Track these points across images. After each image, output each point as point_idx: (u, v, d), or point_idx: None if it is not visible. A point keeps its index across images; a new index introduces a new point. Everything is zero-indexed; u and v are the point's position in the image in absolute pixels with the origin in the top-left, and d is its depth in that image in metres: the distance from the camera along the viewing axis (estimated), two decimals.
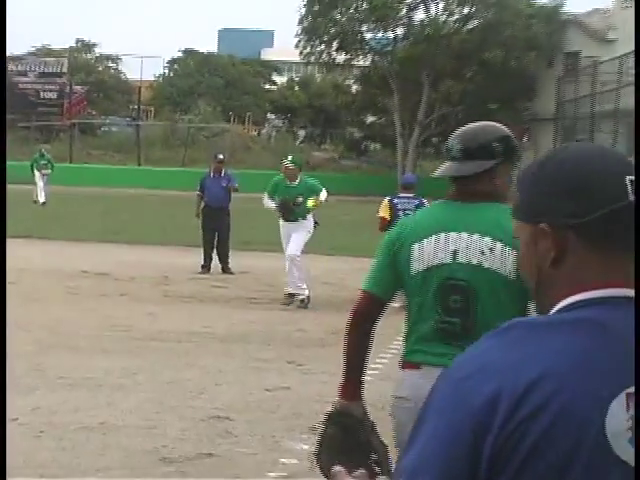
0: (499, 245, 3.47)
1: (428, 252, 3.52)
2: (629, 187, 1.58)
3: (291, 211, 12.65)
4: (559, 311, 1.59)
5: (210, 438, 6.67)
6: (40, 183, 30.59)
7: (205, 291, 13.64)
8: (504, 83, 42.53)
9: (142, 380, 8.25)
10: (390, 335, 7.49)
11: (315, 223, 12.82)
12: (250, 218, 20.18)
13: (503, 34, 41.98)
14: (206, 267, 15.60)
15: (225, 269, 15.39)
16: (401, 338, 3.72)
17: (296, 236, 12.58)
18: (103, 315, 11.32)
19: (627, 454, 1.50)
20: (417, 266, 3.54)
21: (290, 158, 13.04)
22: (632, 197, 1.58)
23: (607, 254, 1.59)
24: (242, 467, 6.16)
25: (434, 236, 3.53)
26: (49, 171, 31.14)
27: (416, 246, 3.54)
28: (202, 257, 15.67)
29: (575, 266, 1.60)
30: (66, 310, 11.59)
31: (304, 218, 12.66)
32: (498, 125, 3.67)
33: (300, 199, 12.51)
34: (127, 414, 7.17)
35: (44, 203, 29.52)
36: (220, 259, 15.57)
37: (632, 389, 1.51)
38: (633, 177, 1.59)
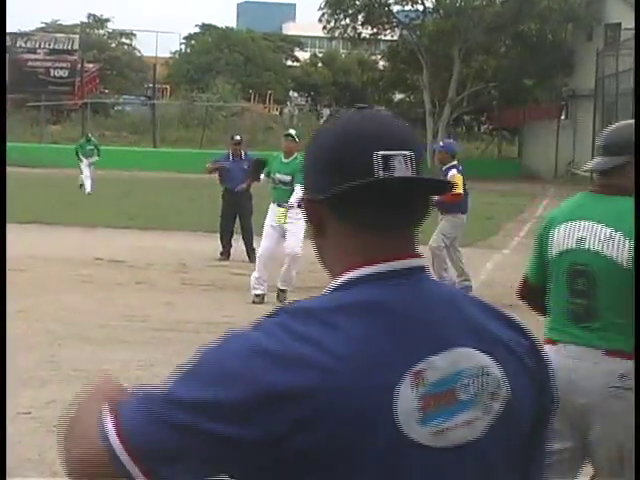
0: (618, 235, 3.96)
1: (562, 238, 4.10)
2: (377, 163, 1.61)
3: (259, 169, 12.52)
4: (335, 289, 1.64)
5: None
6: (86, 172, 29.01)
7: (225, 279, 13.67)
8: (540, 58, 42.32)
9: (160, 373, 8.28)
10: None
11: None
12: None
13: (539, 5, 41.78)
14: (225, 253, 15.63)
15: (251, 256, 15.15)
16: None
17: (292, 227, 11.86)
18: (118, 304, 11.38)
19: (419, 435, 1.56)
20: (553, 251, 4.12)
21: (292, 132, 12.94)
22: (382, 173, 1.60)
23: (363, 230, 1.64)
24: None
25: (568, 223, 4.09)
26: (96, 158, 29.59)
27: (554, 232, 4.13)
28: (220, 243, 15.68)
29: (336, 242, 1.66)
30: (80, 299, 11.65)
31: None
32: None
33: (288, 178, 11.99)
34: None
35: (89, 193, 28.12)
36: (246, 246, 15.46)
37: (418, 367, 1.56)
38: (392, 152, 1.62)
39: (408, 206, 1.65)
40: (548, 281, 4.20)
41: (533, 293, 4.31)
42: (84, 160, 29.38)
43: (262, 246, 12.20)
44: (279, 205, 12.15)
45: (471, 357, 1.61)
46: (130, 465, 1.57)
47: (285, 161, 12.25)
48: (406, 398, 1.55)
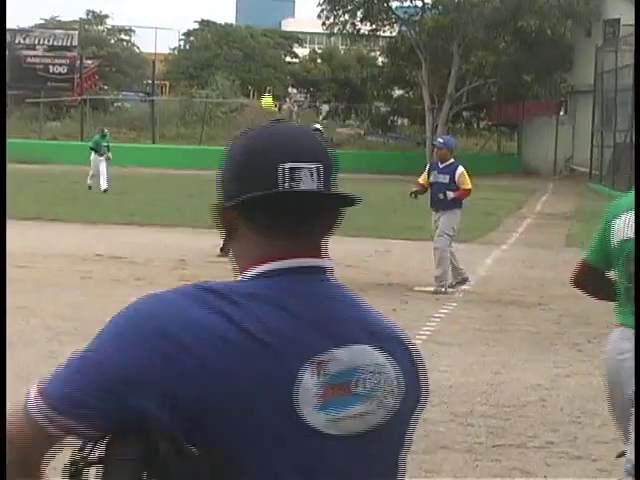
0: None
1: (623, 227, 4.33)
2: (282, 175, 1.68)
3: None
4: (240, 282, 1.78)
5: None
6: (102, 168, 27.83)
7: (225, 275, 13.34)
8: (539, 53, 42.30)
9: None
10: None
11: None
12: None
13: (538, 1, 41.75)
14: (225, 250, 15.63)
15: None
16: None
17: None
18: (118, 301, 11.25)
19: (314, 420, 1.64)
20: (615, 239, 4.36)
21: (318, 126, 13.04)
22: (288, 185, 1.67)
23: (268, 236, 1.73)
24: None
25: (627, 213, 4.33)
26: (110, 154, 28.59)
27: (615, 222, 4.37)
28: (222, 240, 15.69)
29: (244, 245, 1.79)
30: (79, 295, 11.66)
31: None
32: None
33: None
34: None
35: (106, 190, 27.06)
36: None
37: (322, 357, 1.65)
38: (299, 165, 1.68)
39: (314, 216, 1.71)
40: (611, 267, 4.43)
41: (592, 276, 4.52)
42: (94, 156, 28.45)
43: None
44: None
45: (367, 354, 1.69)
46: (45, 415, 1.61)
47: None
48: (307, 384, 1.63)
